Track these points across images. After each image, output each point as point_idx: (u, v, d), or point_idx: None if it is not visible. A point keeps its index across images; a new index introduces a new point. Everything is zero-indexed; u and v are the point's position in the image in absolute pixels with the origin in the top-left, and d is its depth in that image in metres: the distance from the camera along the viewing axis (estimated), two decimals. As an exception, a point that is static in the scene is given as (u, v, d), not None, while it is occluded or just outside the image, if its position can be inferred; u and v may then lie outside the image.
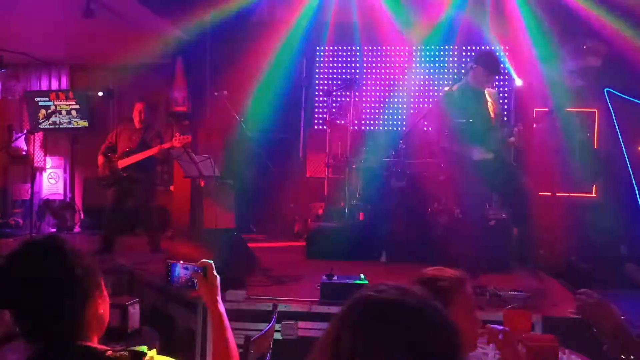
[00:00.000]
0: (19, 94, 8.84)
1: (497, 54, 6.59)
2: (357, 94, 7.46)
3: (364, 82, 7.87)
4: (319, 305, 3.72)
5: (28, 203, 7.94)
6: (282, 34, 7.28)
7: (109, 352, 1.40)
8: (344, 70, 8.03)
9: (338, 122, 7.16)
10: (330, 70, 8.07)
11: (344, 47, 7.96)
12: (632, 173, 6.44)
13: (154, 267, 4.84)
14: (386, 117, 7.88)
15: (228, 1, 6.79)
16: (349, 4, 7.24)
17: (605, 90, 6.56)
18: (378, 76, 7.87)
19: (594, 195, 6.83)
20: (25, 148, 8.75)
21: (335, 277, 3.83)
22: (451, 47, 7.60)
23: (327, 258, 5.00)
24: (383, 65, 7.87)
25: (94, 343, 1.47)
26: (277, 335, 3.46)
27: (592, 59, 6.44)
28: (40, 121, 7.55)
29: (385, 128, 7.83)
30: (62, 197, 8.76)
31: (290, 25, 7.35)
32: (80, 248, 1.51)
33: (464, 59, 7.57)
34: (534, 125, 6.49)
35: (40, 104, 8.50)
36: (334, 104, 7.24)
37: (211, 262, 1.84)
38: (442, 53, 7.73)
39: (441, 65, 7.77)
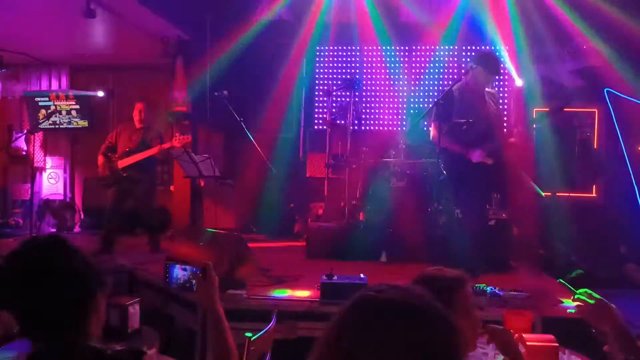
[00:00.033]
0: (19, 94, 8.83)
1: (497, 54, 6.61)
2: (357, 94, 7.46)
3: (364, 82, 7.87)
4: (319, 305, 3.72)
5: (28, 203, 7.92)
6: (283, 33, 7.29)
7: (109, 352, 1.40)
8: (344, 70, 8.02)
9: (338, 122, 7.15)
10: (330, 70, 8.07)
11: (344, 47, 7.95)
12: (632, 173, 6.43)
13: (154, 267, 4.83)
14: (386, 117, 7.88)
15: (228, 1, 6.79)
16: (349, 4, 7.23)
17: (605, 90, 6.55)
18: (378, 76, 7.86)
19: (594, 195, 6.83)
20: (25, 148, 8.74)
21: (335, 277, 3.83)
22: (451, 47, 7.60)
23: (327, 258, 5.00)
24: (383, 65, 7.86)
25: (95, 342, 1.46)
26: (277, 335, 3.46)
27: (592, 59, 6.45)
28: (40, 121, 7.55)
29: (385, 128, 7.83)
30: (62, 197, 8.75)
31: (291, 25, 7.36)
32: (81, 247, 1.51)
33: (464, 59, 7.57)
34: (534, 125, 6.49)
35: (40, 104, 8.48)
36: (334, 104, 7.24)
37: (210, 263, 1.84)
38: (442, 53, 7.73)
39: (441, 65, 7.76)
